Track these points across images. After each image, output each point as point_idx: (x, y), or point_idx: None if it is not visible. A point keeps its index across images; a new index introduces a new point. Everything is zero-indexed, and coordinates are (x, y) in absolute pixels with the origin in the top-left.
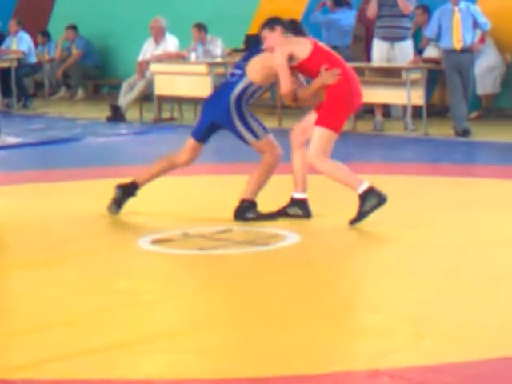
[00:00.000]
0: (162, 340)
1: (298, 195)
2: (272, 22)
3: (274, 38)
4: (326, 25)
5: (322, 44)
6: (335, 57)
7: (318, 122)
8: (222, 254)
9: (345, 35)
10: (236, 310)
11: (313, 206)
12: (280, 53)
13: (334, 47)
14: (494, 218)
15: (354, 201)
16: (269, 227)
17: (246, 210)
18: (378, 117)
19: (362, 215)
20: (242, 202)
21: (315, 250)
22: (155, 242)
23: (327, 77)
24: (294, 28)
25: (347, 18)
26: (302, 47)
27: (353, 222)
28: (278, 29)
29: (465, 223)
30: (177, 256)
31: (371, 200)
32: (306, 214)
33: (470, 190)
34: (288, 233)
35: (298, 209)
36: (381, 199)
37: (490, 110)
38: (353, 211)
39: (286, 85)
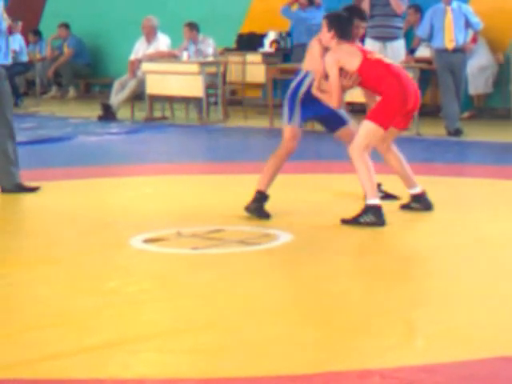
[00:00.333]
0: (154, 339)
1: (414, 191)
2: (332, 23)
3: (326, 38)
4: (295, 22)
5: (369, 52)
6: (384, 64)
7: (369, 117)
8: (215, 253)
9: (314, 34)
10: (228, 310)
11: (306, 206)
12: (332, 61)
13: (302, 45)
14: (488, 217)
15: (346, 202)
16: (261, 227)
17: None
18: None
19: (354, 222)
20: (256, 193)
21: (307, 249)
22: (148, 241)
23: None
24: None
25: (315, 17)
26: (353, 59)
27: (345, 221)
28: (333, 33)
29: (458, 223)
30: (169, 255)
31: (371, 217)
32: (426, 207)
33: (463, 189)
34: (280, 232)
35: (417, 203)
36: (379, 222)
37: (482, 109)
38: (344, 211)
39: (334, 97)
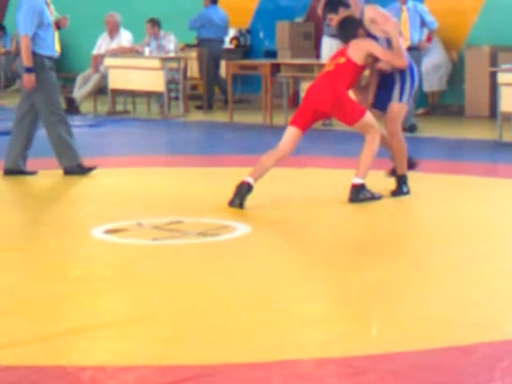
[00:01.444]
0: (115, 327)
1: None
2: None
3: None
4: (199, 18)
5: None
6: None
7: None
8: (174, 244)
9: (218, 29)
10: (186, 299)
11: (264, 198)
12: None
13: (208, 40)
14: (441, 211)
15: (302, 194)
16: (219, 219)
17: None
18: None
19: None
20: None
21: (264, 240)
22: (109, 231)
23: None
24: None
25: (216, 13)
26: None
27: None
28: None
29: (412, 216)
30: (130, 246)
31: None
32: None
33: (416, 184)
34: (238, 224)
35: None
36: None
37: (436, 106)
38: (302, 203)
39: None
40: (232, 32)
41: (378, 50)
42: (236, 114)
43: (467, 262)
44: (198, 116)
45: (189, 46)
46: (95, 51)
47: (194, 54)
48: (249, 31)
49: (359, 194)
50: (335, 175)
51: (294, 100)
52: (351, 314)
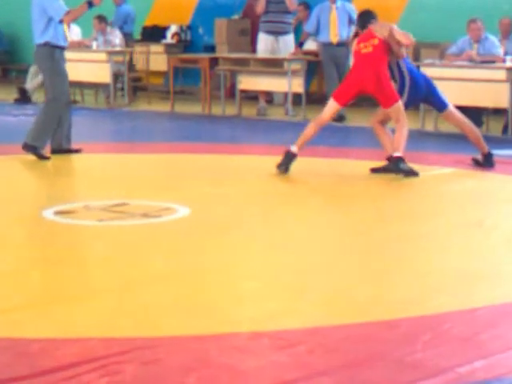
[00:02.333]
0: (62, 302)
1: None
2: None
3: None
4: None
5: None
6: None
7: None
8: (119, 225)
9: (130, 23)
10: (129, 276)
11: (203, 182)
12: None
13: (124, 34)
14: (365, 195)
15: (239, 178)
16: (161, 201)
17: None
18: (262, 103)
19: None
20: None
21: (203, 222)
22: (58, 213)
23: None
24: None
25: (125, 9)
26: None
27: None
28: None
29: (338, 202)
30: (77, 226)
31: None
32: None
33: (344, 169)
34: (179, 206)
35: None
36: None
37: (364, 98)
38: (238, 186)
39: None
40: (173, 28)
41: (394, 28)
42: (177, 105)
43: (391, 242)
44: (141, 106)
45: (133, 41)
46: None
47: (138, 47)
48: (189, 27)
49: (399, 164)
50: (269, 161)
51: (231, 92)
52: (283, 291)
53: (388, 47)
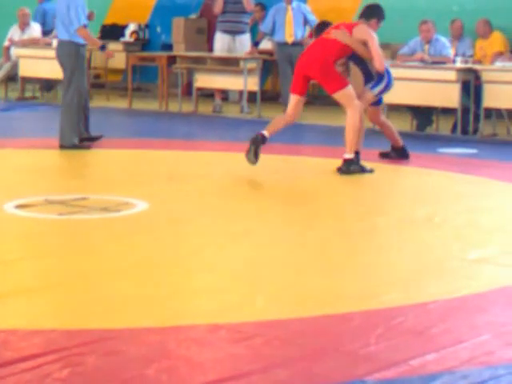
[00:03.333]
0: (24, 294)
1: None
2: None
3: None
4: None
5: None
6: None
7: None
8: (79, 218)
9: (49, 21)
10: (89, 269)
11: (161, 178)
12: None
13: (50, 31)
14: (318, 191)
15: (196, 173)
16: (121, 196)
17: None
18: (218, 100)
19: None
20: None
21: (161, 216)
22: (19, 206)
23: None
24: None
25: (45, 7)
26: None
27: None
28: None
29: (293, 194)
30: (38, 220)
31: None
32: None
33: (297, 166)
34: (137, 201)
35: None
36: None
37: (316, 97)
38: (196, 181)
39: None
40: (132, 26)
41: (375, 43)
42: (135, 101)
43: (343, 237)
44: (100, 102)
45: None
46: (6, 42)
47: None
48: (147, 26)
49: (350, 166)
50: (225, 157)
51: (188, 89)
52: (240, 284)
53: (349, 49)
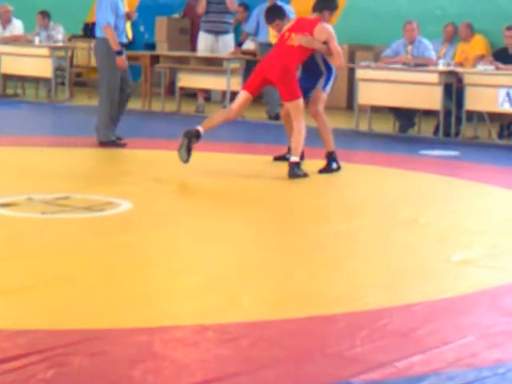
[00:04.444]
0: (7, 294)
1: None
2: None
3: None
4: None
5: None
6: None
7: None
8: (62, 218)
9: None
10: (73, 269)
11: (145, 178)
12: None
13: None
14: (306, 193)
15: (180, 174)
16: (104, 195)
17: None
18: (200, 100)
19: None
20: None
21: (144, 216)
22: (1, 205)
23: None
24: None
25: None
26: None
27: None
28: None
29: (277, 196)
30: (20, 218)
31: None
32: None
33: (281, 168)
34: (121, 201)
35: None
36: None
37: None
38: (181, 184)
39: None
40: None
41: (335, 41)
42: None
43: (328, 239)
44: (82, 101)
45: (75, 37)
46: None
47: (80, 43)
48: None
49: (294, 169)
50: (207, 157)
51: (171, 89)
52: (226, 286)
53: (312, 50)
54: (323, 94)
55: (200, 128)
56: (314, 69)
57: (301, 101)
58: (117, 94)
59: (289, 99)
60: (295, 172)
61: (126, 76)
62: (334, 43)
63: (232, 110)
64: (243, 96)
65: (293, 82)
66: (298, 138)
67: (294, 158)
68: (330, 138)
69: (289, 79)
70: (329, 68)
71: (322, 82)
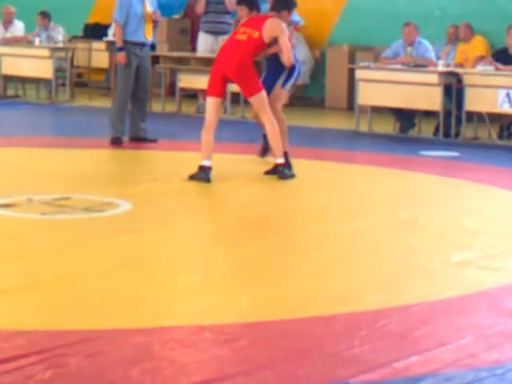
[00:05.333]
0: (6, 295)
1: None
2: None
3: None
4: None
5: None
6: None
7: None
8: (62, 218)
9: None
10: (72, 269)
11: (145, 178)
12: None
13: None
14: (304, 193)
15: (181, 175)
16: (103, 196)
17: None
18: (201, 101)
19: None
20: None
21: (144, 217)
22: (1, 206)
23: None
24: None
25: None
26: None
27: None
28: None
29: (276, 196)
30: (20, 219)
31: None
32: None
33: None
34: (120, 201)
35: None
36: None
37: (300, 98)
38: (181, 185)
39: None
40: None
41: (285, 37)
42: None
43: (327, 240)
44: (82, 102)
45: (76, 38)
46: None
47: (80, 44)
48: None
49: (284, 170)
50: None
51: (171, 89)
52: (224, 286)
53: (263, 45)
54: (282, 91)
55: (205, 162)
56: (276, 67)
57: (263, 93)
58: (129, 95)
59: (250, 94)
60: (285, 174)
61: (146, 82)
62: (284, 39)
63: (210, 121)
64: (211, 103)
65: (250, 76)
66: (274, 138)
67: (279, 160)
68: (283, 138)
69: (246, 74)
70: (292, 66)
71: (281, 79)
